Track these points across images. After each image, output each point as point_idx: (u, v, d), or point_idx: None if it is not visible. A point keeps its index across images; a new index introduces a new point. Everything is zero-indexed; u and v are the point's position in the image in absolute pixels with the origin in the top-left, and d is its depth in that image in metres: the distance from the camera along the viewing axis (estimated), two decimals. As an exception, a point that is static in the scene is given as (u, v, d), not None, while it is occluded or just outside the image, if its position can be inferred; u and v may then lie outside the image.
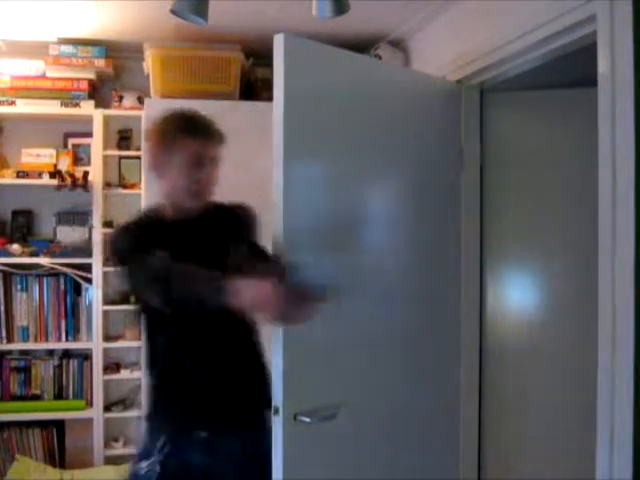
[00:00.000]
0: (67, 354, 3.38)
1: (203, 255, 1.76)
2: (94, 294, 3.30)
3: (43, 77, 3.27)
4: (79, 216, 3.40)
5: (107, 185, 3.39)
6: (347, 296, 1.77)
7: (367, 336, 2.15)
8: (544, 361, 2.55)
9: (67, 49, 3.23)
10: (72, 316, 3.34)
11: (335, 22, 2.14)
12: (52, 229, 3.41)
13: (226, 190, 3.21)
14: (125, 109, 3.38)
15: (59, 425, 3.32)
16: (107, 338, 3.37)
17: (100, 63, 3.27)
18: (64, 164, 3.34)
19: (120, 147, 3.45)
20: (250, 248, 1.90)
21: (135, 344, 3.32)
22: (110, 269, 3.30)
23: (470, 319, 2.53)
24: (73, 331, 3.35)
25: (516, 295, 2.65)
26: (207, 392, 1.82)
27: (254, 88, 3.38)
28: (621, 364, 1.63)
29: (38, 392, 3.31)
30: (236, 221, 1.96)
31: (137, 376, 3.33)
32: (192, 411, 1.82)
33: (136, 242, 1.78)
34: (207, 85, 3.18)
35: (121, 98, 3.39)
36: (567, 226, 2.50)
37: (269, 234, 1.92)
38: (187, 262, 1.65)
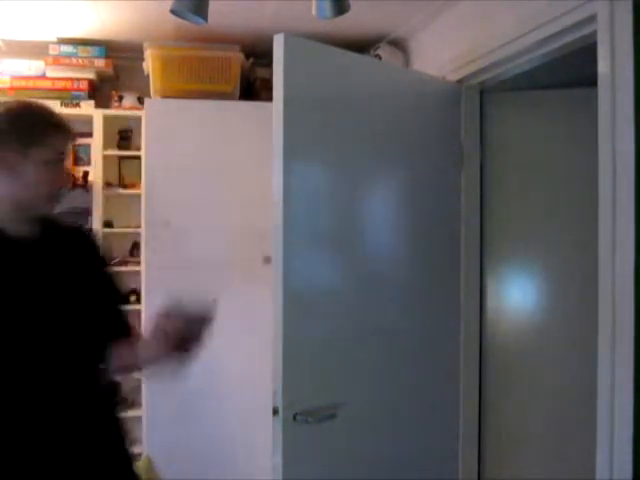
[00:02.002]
0: (67, 354, 3.37)
1: (52, 290, 1.53)
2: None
3: (43, 77, 3.27)
4: (79, 216, 3.39)
5: (107, 185, 3.39)
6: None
7: (367, 336, 2.14)
8: (544, 361, 2.55)
9: (67, 49, 3.23)
10: (72, 316, 3.34)
11: (335, 22, 2.14)
12: (52, 229, 3.41)
13: (226, 190, 3.22)
14: (125, 109, 3.38)
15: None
16: (107, 338, 3.37)
17: (100, 63, 3.27)
18: (64, 164, 3.34)
19: (120, 147, 3.45)
20: (103, 286, 1.69)
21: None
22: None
23: (470, 319, 2.53)
24: (73, 331, 3.34)
25: (516, 295, 2.65)
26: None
27: (254, 88, 3.38)
28: (621, 364, 1.63)
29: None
30: (88, 249, 1.70)
31: (137, 376, 3.33)
32: None
33: None
34: (207, 85, 3.18)
35: (121, 98, 3.39)
36: (567, 226, 2.50)
37: (270, 234, 1.93)
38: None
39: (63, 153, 1.56)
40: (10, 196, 1.53)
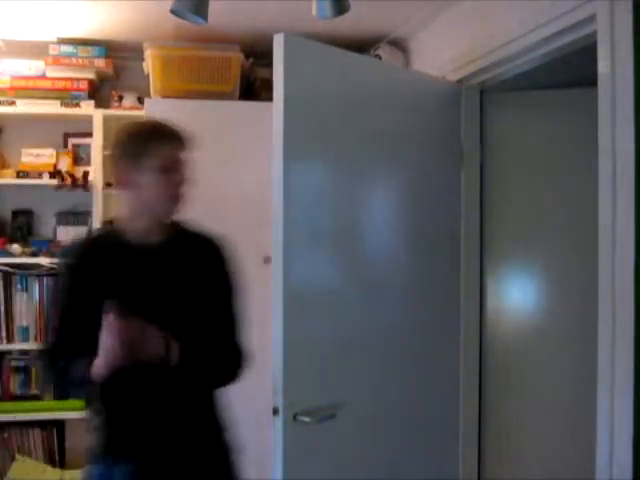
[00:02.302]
0: (67, 354, 3.38)
1: (170, 298, 1.69)
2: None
3: (43, 77, 3.26)
4: (79, 216, 3.39)
5: (107, 185, 3.37)
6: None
7: (367, 336, 2.15)
8: (544, 361, 2.55)
9: (67, 49, 3.22)
10: (72, 316, 3.34)
11: (335, 22, 2.14)
12: (52, 229, 3.40)
13: (226, 189, 3.22)
14: (125, 109, 3.38)
15: (59, 425, 3.31)
16: (107, 338, 3.36)
17: (100, 63, 3.27)
18: (64, 164, 3.33)
19: (120, 147, 3.45)
20: (223, 305, 1.82)
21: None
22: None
23: (470, 319, 2.53)
24: (73, 331, 3.35)
25: (516, 295, 2.65)
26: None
27: (254, 88, 3.37)
28: (621, 363, 1.63)
29: (38, 392, 3.31)
30: (216, 261, 1.81)
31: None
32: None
33: (76, 282, 1.69)
34: (207, 85, 3.18)
35: (121, 98, 3.39)
36: (567, 226, 2.50)
37: (270, 234, 1.93)
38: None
39: (174, 160, 1.69)
40: (134, 206, 1.70)
